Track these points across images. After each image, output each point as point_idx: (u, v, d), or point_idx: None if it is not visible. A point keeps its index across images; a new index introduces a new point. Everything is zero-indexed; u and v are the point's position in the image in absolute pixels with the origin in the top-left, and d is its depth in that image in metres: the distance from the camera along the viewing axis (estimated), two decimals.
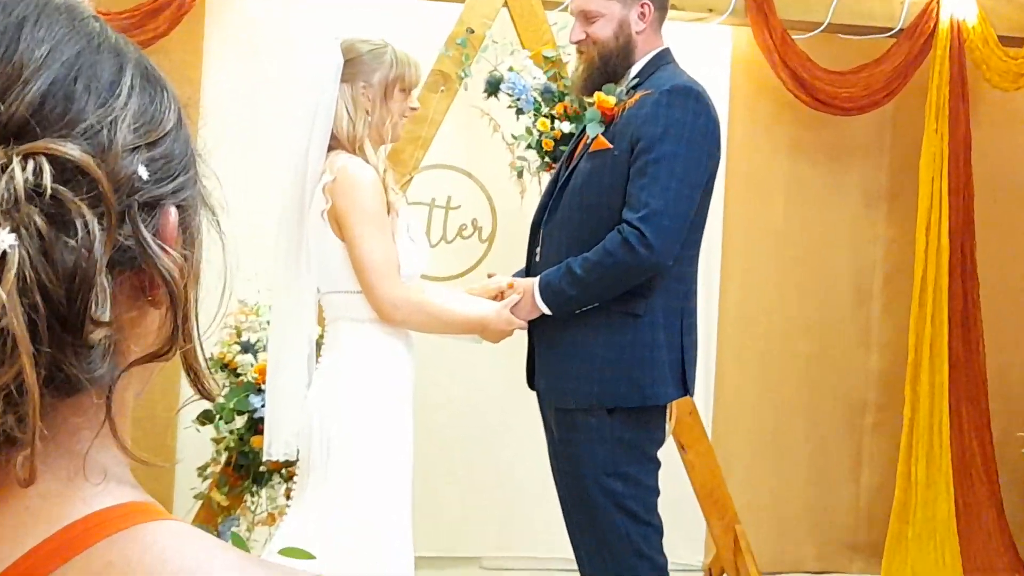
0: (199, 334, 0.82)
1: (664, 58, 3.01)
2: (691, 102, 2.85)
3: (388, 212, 2.83)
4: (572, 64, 3.43)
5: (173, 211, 0.76)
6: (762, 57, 4.82)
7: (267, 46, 4.45)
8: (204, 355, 0.83)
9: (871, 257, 5.19)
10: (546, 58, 4.22)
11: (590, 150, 2.95)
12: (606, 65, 2.98)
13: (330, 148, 2.85)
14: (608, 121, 2.92)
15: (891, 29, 4.96)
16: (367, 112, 2.86)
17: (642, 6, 2.98)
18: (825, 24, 4.85)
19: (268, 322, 3.57)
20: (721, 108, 4.71)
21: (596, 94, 2.94)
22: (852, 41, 5.00)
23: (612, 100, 2.91)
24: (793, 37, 4.85)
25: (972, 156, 4.99)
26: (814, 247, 5.14)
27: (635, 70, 2.99)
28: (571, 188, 2.99)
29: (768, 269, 5.05)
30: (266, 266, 2.98)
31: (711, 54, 4.86)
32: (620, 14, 2.97)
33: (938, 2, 4.94)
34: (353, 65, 2.85)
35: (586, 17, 3.01)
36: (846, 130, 5.12)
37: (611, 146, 2.89)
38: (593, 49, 3.00)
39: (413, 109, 2.98)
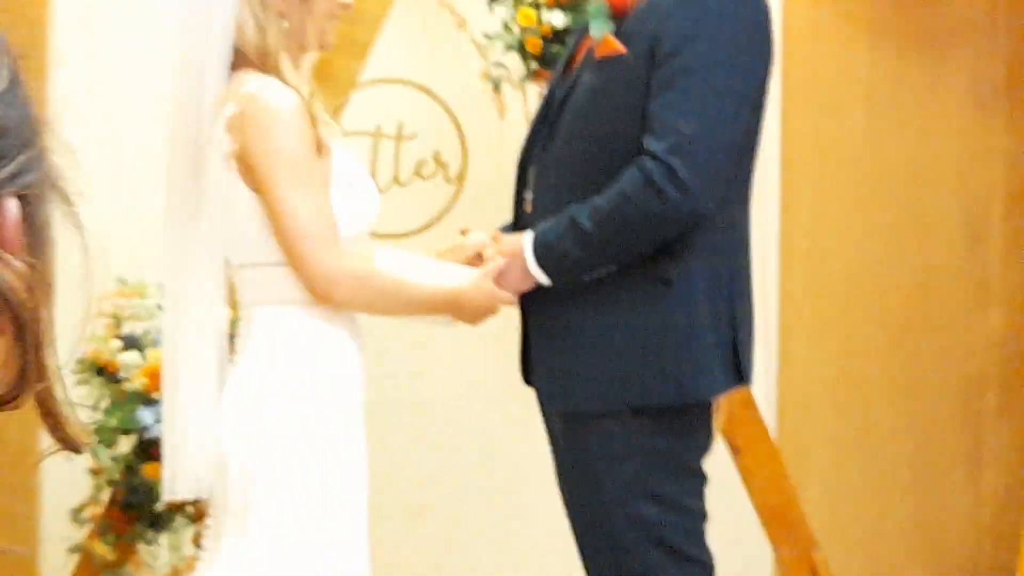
0: (58, 366, 0.81)
1: None
2: None
3: (318, 151, 2.83)
4: None
5: (12, 204, 0.75)
6: None
7: None
8: (66, 392, 0.83)
9: (986, 180, 5.20)
10: None
11: (595, 56, 2.93)
12: None
13: (233, 67, 2.83)
14: (618, 15, 2.90)
15: None
16: (280, 15, 2.85)
17: None
18: None
19: (159, 307, 3.58)
20: None
21: None
22: None
23: None
24: None
25: None
26: (907, 170, 5.15)
27: None
28: (571, 109, 2.98)
29: (845, 204, 5.06)
30: (152, 231, 2.97)
31: None
32: None
33: None
34: None
35: None
36: (943, 5, 5.11)
37: (624, 50, 2.87)
38: None
39: (345, 6, 2.97)
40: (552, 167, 3.02)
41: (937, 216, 5.19)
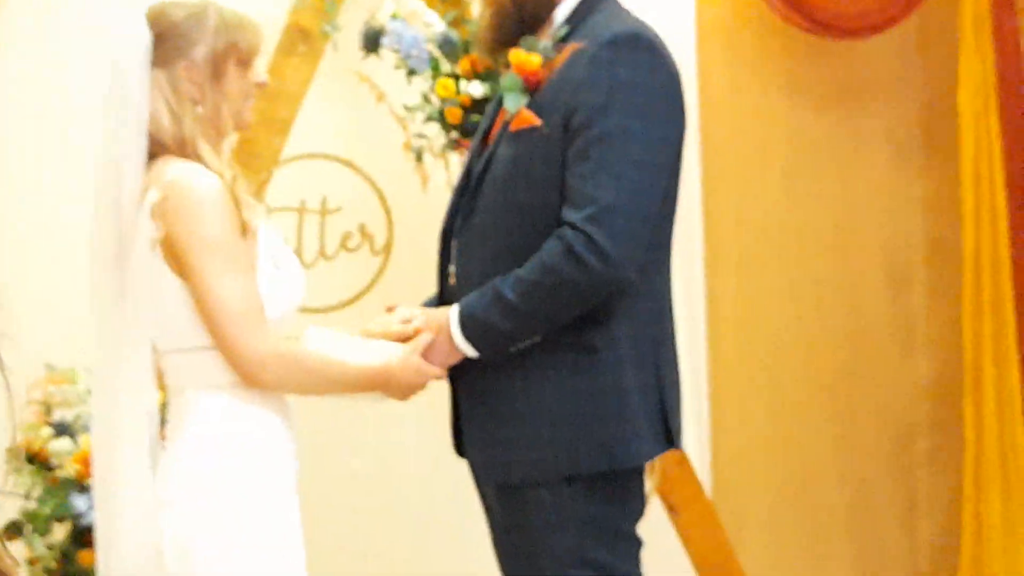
0: None
1: None
2: (642, 55, 2.86)
3: (243, 233, 2.83)
4: (478, 4, 3.44)
5: None
6: None
7: (66, 20, 4.42)
8: None
9: (907, 229, 5.26)
10: None
11: (511, 128, 2.95)
12: (522, 10, 2.98)
13: (154, 154, 2.84)
14: (532, 88, 2.92)
15: None
16: (194, 101, 2.85)
17: None
18: None
19: (89, 392, 3.56)
20: (687, 43, 4.80)
21: (512, 52, 2.95)
22: None
23: (535, 59, 2.91)
24: None
25: None
26: (829, 221, 5.19)
27: (561, 14, 2.99)
28: (489, 182, 2.98)
29: (769, 259, 5.09)
30: (81, 316, 2.96)
31: None
32: None
33: None
34: (165, 41, 2.83)
35: None
36: (859, 59, 5.17)
37: (539, 122, 2.89)
38: None
39: (260, 84, 2.98)
40: (474, 239, 3.02)
41: (861, 267, 5.23)
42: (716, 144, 4.96)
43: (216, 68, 2.87)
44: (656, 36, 2.93)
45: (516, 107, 2.92)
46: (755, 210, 5.09)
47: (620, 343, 2.92)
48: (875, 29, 4.99)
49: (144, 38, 2.81)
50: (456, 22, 4.19)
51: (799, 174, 5.16)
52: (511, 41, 2.99)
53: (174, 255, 2.79)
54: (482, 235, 3.00)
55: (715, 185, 4.95)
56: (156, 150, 2.83)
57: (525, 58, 2.93)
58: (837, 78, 5.20)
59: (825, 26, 4.93)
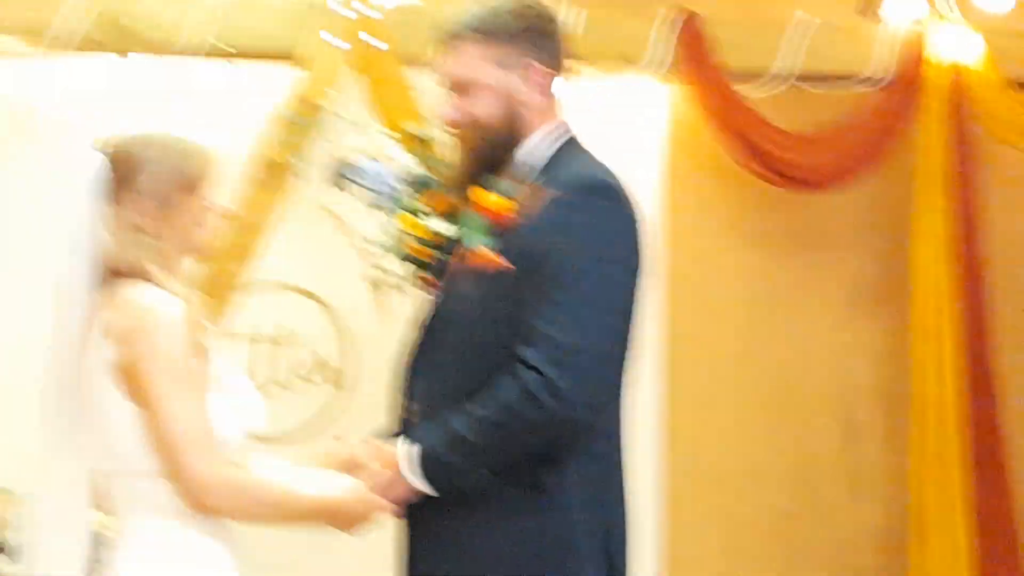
0: None
1: (563, 139, 3.03)
2: (603, 199, 2.87)
3: (196, 357, 2.81)
4: (443, 140, 3.46)
5: None
6: (704, 120, 4.93)
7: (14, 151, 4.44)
8: None
9: (859, 376, 5.28)
10: (410, 135, 4.26)
11: (472, 267, 2.95)
12: (488, 151, 2.99)
13: (109, 278, 2.83)
14: (494, 227, 2.92)
15: (870, 77, 5.11)
16: (142, 230, 2.84)
17: (531, 70, 3.01)
18: (782, 75, 4.98)
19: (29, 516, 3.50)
20: (654, 190, 4.85)
21: (475, 192, 2.96)
22: (819, 94, 5.13)
23: (498, 200, 2.93)
24: (742, 93, 4.96)
25: (981, 237, 5.12)
26: (784, 366, 5.21)
27: (526, 156, 3.01)
28: (450, 318, 2.98)
29: (726, 400, 5.10)
30: (26, 439, 2.92)
31: (637, 119, 4.96)
32: (503, 83, 3.00)
33: (928, 40, 5.09)
34: (113, 175, 2.84)
35: (460, 88, 3.03)
36: (818, 210, 5.23)
37: (500, 261, 2.89)
38: (470, 130, 3.01)
39: (212, 209, 2.97)
40: (432, 375, 3.00)
41: (814, 411, 5.25)
42: (679, 285, 4.99)
43: (163, 197, 2.86)
44: (618, 182, 2.93)
45: (476, 245, 2.92)
46: (714, 351, 5.12)
47: (570, 484, 2.89)
48: (836, 183, 5.06)
49: (93, 172, 2.82)
50: (423, 160, 4.21)
51: (757, 318, 5.19)
52: (477, 181, 3.00)
53: (127, 377, 2.77)
54: (439, 371, 2.99)
55: (677, 323, 4.97)
56: (110, 275, 2.82)
57: (488, 198, 2.94)
58: (796, 227, 5.25)
59: (787, 179, 5.01)
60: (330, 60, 4.34)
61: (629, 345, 2.99)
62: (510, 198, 2.95)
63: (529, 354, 2.81)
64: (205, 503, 2.78)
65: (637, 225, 2.95)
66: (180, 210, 2.88)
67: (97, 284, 2.81)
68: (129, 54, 4.49)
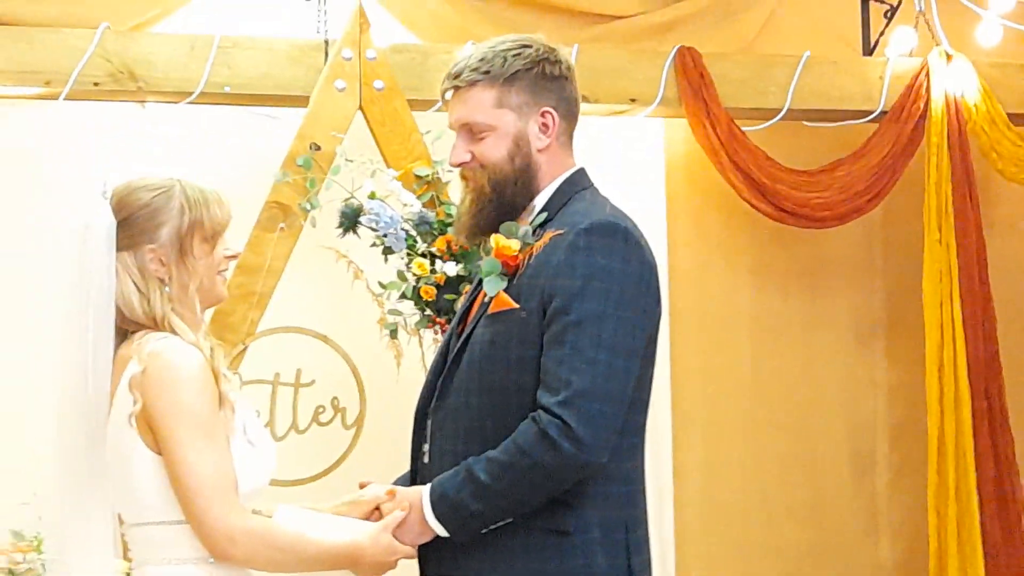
0: None
1: (578, 183, 3.03)
2: (618, 243, 2.87)
3: (220, 406, 2.81)
4: (455, 184, 3.46)
5: None
6: (706, 157, 4.94)
7: (16, 192, 4.45)
8: None
9: (870, 412, 5.27)
10: (419, 178, 4.27)
11: (489, 311, 2.94)
12: (502, 196, 2.99)
13: (130, 329, 2.83)
14: (511, 272, 2.92)
15: (871, 112, 5.13)
16: (162, 281, 2.84)
17: (543, 114, 3.00)
18: (784, 110, 4.99)
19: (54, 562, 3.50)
20: (658, 226, 4.85)
21: (493, 237, 2.96)
22: (822, 130, 5.15)
23: (514, 244, 2.92)
24: (744, 129, 4.98)
25: (989, 270, 5.12)
26: (794, 401, 5.20)
27: (541, 201, 3.01)
28: (467, 362, 2.97)
29: (735, 439, 5.09)
30: (46, 484, 2.92)
31: (639, 157, 4.96)
32: (515, 127, 3.00)
33: (928, 75, 5.12)
34: (130, 225, 2.83)
35: (470, 132, 3.03)
36: (823, 246, 5.23)
37: (516, 305, 2.89)
38: (483, 175, 3.01)
39: (230, 257, 2.97)
40: (449, 419, 2.99)
41: (825, 447, 5.23)
42: (684, 320, 4.99)
43: (182, 247, 2.86)
44: (633, 225, 2.94)
45: (495, 291, 2.92)
46: (722, 386, 5.11)
47: (591, 527, 2.89)
48: (841, 219, 5.07)
49: (108, 222, 2.81)
50: (432, 202, 4.22)
51: (765, 353, 5.19)
52: (491, 226, 3.00)
53: (151, 427, 2.77)
54: (457, 415, 2.98)
55: (683, 360, 4.98)
56: (131, 326, 2.82)
57: (505, 243, 2.94)
58: (802, 262, 5.25)
59: (791, 215, 5.01)
60: (339, 103, 4.35)
61: (646, 387, 3.00)
62: (526, 243, 2.95)
63: (546, 398, 2.81)
64: (228, 551, 2.78)
65: (652, 268, 2.95)
66: (200, 260, 2.89)
67: (118, 335, 2.81)
68: (146, 103, 4.50)
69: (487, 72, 3.01)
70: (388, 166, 4.33)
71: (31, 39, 4.37)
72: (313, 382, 4.49)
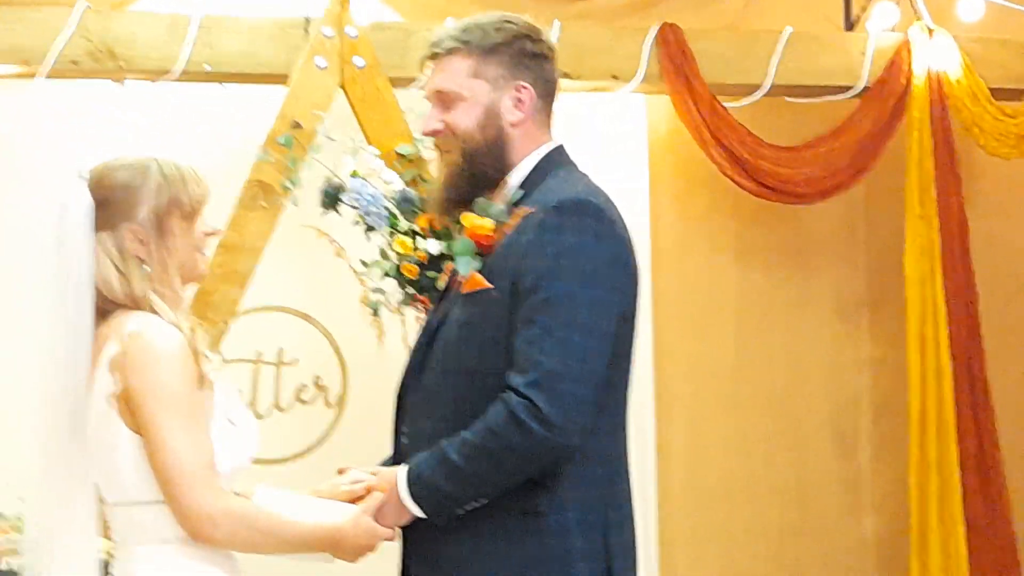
0: None
1: (556, 161, 2.99)
2: (588, 220, 2.83)
3: (199, 386, 2.80)
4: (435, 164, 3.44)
5: None
6: (688, 134, 4.93)
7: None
8: None
9: (853, 389, 5.27)
10: (401, 156, 4.25)
11: (463, 290, 2.92)
12: (473, 167, 2.95)
13: (109, 310, 2.81)
14: (484, 251, 2.90)
15: (853, 88, 5.12)
16: (141, 260, 2.83)
17: (518, 89, 2.97)
18: (767, 87, 4.98)
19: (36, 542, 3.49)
20: (641, 204, 4.84)
21: (464, 216, 2.94)
22: (804, 106, 5.13)
23: (487, 223, 2.90)
24: (727, 105, 4.96)
25: (971, 246, 5.12)
26: (777, 378, 5.20)
27: (517, 179, 2.98)
28: (441, 341, 2.96)
29: (718, 417, 5.09)
30: (27, 463, 2.91)
31: (620, 133, 4.95)
32: (488, 98, 2.96)
33: (909, 50, 5.10)
34: (108, 205, 2.82)
35: (442, 101, 3.01)
36: (806, 223, 5.22)
37: (489, 285, 2.86)
38: (455, 144, 2.98)
39: (210, 234, 2.96)
40: (426, 399, 2.97)
41: (809, 425, 5.23)
42: (667, 300, 4.99)
43: (161, 225, 2.85)
44: (607, 202, 2.90)
45: (467, 271, 2.90)
46: (705, 365, 5.10)
47: (567, 507, 2.86)
48: (823, 195, 5.06)
49: (86, 202, 2.80)
50: (414, 181, 4.20)
51: (748, 332, 5.18)
52: (465, 201, 2.98)
53: (130, 408, 2.76)
54: (432, 395, 2.97)
55: (666, 339, 4.97)
56: (110, 306, 2.81)
57: (477, 222, 2.91)
58: (785, 240, 5.24)
59: (773, 190, 5.00)
60: (321, 81, 4.34)
61: (624, 366, 2.97)
62: (500, 221, 2.92)
63: (515, 379, 2.77)
64: (207, 533, 2.77)
65: (626, 244, 2.91)
66: (179, 238, 2.88)
67: (98, 315, 2.80)
68: (125, 81, 4.48)
69: (467, 42, 2.99)
70: (370, 144, 4.31)
71: (9, 17, 4.36)
72: (296, 361, 4.49)
